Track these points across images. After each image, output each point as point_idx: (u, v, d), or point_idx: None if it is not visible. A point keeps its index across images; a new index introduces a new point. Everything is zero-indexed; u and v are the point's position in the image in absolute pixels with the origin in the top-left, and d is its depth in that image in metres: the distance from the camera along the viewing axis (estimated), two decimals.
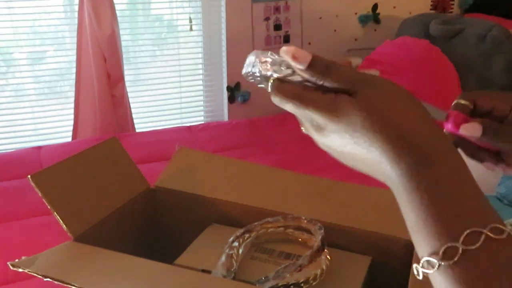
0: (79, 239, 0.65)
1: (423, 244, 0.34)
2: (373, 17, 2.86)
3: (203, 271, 0.64)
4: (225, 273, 0.62)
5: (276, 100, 0.39)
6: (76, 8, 2.32)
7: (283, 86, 0.39)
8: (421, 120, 0.36)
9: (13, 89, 2.52)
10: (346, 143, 0.36)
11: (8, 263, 0.57)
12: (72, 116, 2.45)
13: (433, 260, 0.32)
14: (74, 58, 2.37)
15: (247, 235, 0.68)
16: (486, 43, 2.21)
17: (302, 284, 0.59)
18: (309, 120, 0.38)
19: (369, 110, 0.35)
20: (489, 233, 0.32)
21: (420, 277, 0.34)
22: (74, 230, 0.66)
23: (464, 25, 2.33)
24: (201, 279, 0.60)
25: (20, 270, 0.57)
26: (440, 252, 0.32)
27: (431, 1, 2.94)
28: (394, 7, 2.88)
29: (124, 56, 2.47)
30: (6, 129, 2.46)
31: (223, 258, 0.64)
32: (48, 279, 0.56)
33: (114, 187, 0.76)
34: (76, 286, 0.54)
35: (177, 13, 2.70)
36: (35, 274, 0.56)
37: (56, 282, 0.56)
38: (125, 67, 2.46)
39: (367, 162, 0.37)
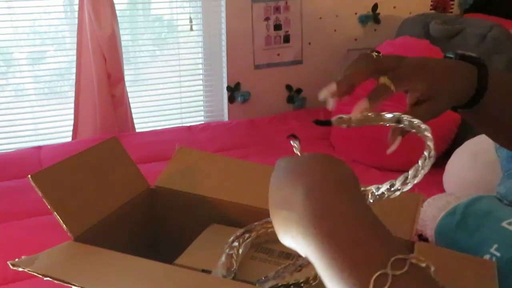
0: (79, 239, 0.65)
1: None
2: (373, 17, 2.85)
3: (203, 271, 0.64)
4: (225, 273, 0.62)
5: None
6: (76, 8, 2.31)
7: None
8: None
9: (13, 89, 2.51)
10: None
11: (8, 262, 0.57)
12: (72, 116, 2.45)
13: None
14: (74, 58, 2.37)
15: (247, 235, 0.68)
16: (486, 43, 2.21)
17: (302, 284, 0.59)
18: None
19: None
20: (413, 260, 0.37)
21: None
22: (74, 230, 0.66)
23: (464, 25, 2.33)
24: (201, 279, 0.60)
25: (20, 269, 0.57)
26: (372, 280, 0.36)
27: (431, 1, 2.93)
28: (394, 7, 2.87)
29: (124, 56, 2.46)
30: (6, 129, 2.46)
31: (223, 258, 0.64)
32: (48, 279, 0.56)
33: (114, 187, 0.76)
34: (76, 286, 0.54)
35: (177, 13, 2.70)
36: (35, 274, 0.57)
37: (56, 282, 0.56)
38: (125, 67, 2.46)
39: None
